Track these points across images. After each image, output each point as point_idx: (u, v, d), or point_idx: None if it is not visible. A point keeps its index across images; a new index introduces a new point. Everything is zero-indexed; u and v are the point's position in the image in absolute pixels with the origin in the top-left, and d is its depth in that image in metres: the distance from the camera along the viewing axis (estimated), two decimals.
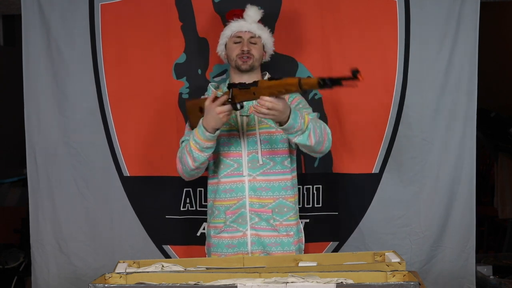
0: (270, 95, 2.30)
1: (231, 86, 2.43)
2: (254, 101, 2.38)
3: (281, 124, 2.37)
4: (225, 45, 2.66)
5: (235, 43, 2.61)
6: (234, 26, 2.62)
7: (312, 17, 3.02)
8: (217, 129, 2.45)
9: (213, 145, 2.48)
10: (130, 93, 3.07)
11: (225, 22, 2.71)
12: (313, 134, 2.42)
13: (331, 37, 3.03)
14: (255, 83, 2.35)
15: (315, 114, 2.63)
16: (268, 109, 2.30)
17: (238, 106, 2.42)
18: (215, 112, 2.40)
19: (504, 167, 4.74)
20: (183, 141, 2.62)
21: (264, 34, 2.65)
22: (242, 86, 2.39)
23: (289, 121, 2.35)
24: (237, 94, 2.40)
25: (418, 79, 3.02)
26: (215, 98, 2.43)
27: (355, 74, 2.02)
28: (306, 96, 2.97)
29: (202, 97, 2.61)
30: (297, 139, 2.42)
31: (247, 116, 2.59)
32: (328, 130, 2.53)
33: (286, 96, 2.57)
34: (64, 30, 3.06)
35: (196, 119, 2.52)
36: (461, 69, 3.02)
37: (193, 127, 2.54)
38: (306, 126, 2.40)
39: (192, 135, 2.50)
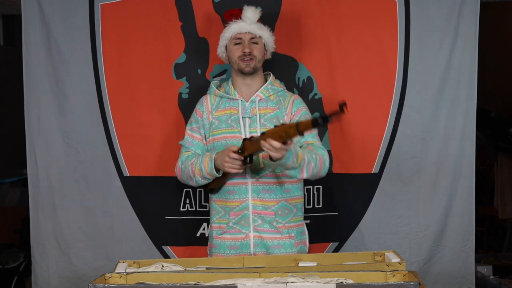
0: (276, 139, 2.32)
1: (245, 140, 2.46)
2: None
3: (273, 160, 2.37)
4: (225, 46, 2.66)
5: (236, 44, 2.60)
6: (234, 28, 2.60)
7: (312, 17, 3.02)
8: (218, 173, 2.52)
9: (213, 179, 2.56)
10: (130, 93, 3.06)
11: (225, 22, 2.71)
12: (306, 169, 2.45)
13: (331, 37, 3.03)
14: (263, 133, 2.36)
15: (315, 134, 2.63)
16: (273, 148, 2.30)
17: (248, 160, 2.46)
18: (226, 156, 2.45)
19: (504, 167, 4.74)
20: (183, 146, 2.69)
21: (265, 34, 2.64)
22: (253, 138, 2.43)
23: (281, 159, 2.35)
24: (248, 146, 2.43)
25: (418, 79, 3.02)
26: (239, 154, 2.45)
27: (341, 107, 2.07)
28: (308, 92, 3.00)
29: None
30: (288, 172, 2.46)
31: (249, 117, 2.59)
32: (324, 158, 2.55)
33: (292, 111, 2.63)
34: (64, 30, 3.06)
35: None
36: (461, 69, 3.02)
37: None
38: (299, 163, 2.42)
39: (201, 161, 2.55)
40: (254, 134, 2.54)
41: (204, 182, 2.60)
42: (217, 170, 2.53)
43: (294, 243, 2.60)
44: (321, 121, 2.13)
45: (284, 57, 3.00)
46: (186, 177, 2.64)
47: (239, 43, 2.60)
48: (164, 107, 3.05)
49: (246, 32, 2.59)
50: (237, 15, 2.62)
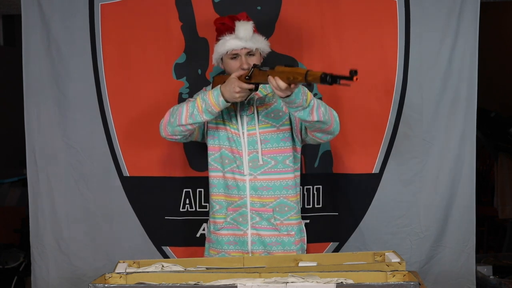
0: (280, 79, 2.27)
1: (255, 66, 2.42)
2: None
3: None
4: (221, 58, 2.62)
5: (232, 58, 2.56)
6: (229, 45, 2.54)
7: (312, 17, 3.02)
8: (227, 102, 2.45)
9: (216, 114, 2.47)
10: (130, 93, 3.07)
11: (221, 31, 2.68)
12: (315, 111, 2.38)
13: (331, 37, 3.03)
14: (272, 67, 2.31)
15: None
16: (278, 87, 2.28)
17: (254, 87, 2.41)
18: (235, 86, 2.39)
19: (504, 167, 4.73)
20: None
21: (261, 44, 2.60)
22: (262, 68, 2.38)
23: (290, 96, 2.31)
24: (256, 75, 2.38)
25: (418, 79, 3.02)
26: (242, 78, 2.41)
27: (351, 75, 2.04)
28: (310, 88, 2.98)
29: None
30: (298, 114, 2.39)
31: (247, 116, 2.60)
32: (334, 112, 2.49)
33: None
34: (64, 30, 3.06)
35: None
36: (461, 69, 3.02)
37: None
38: (308, 103, 2.36)
39: (203, 94, 2.49)
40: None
41: (202, 118, 2.46)
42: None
43: (293, 241, 2.59)
44: (329, 78, 2.08)
45: (284, 57, 3.00)
46: (175, 116, 2.50)
47: (235, 57, 2.56)
48: (164, 107, 3.03)
49: (242, 48, 2.55)
50: (229, 27, 2.56)
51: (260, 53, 2.62)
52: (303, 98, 2.34)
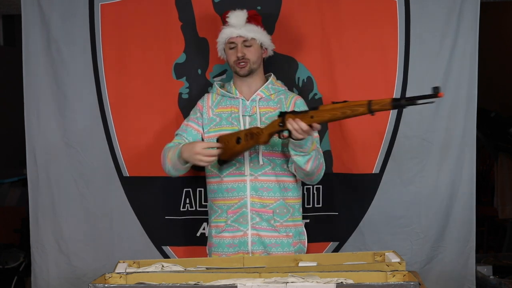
0: (332, 117, 2.29)
1: (282, 113, 2.41)
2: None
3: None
4: (224, 50, 2.68)
5: (231, 49, 2.62)
6: (225, 33, 2.62)
7: (312, 17, 3.02)
8: (187, 163, 2.52)
9: (182, 171, 2.59)
10: (130, 93, 3.06)
11: (225, 22, 2.71)
12: (311, 162, 2.46)
13: (331, 37, 3.03)
14: (315, 108, 2.33)
15: (317, 137, 2.63)
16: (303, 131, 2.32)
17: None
18: (197, 148, 2.46)
19: (504, 167, 4.74)
20: (177, 134, 2.68)
21: (257, 34, 2.63)
22: (296, 112, 2.37)
23: (302, 139, 2.36)
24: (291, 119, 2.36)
25: (418, 79, 3.01)
26: (276, 125, 2.42)
27: (435, 91, 1.98)
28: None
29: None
30: (296, 158, 2.45)
31: (249, 116, 2.60)
32: (323, 166, 2.58)
33: (288, 100, 2.63)
34: (64, 30, 3.06)
35: (228, 151, 2.53)
36: (461, 69, 3.02)
37: (219, 159, 2.55)
38: (310, 152, 2.43)
39: (171, 150, 2.57)
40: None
41: (175, 173, 2.61)
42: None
43: (291, 243, 2.60)
44: (404, 102, 2.01)
45: (284, 57, 3.00)
46: (163, 163, 2.63)
47: (233, 47, 2.61)
48: (164, 107, 3.05)
49: (237, 36, 2.60)
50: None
51: (262, 46, 2.63)
52: (309, 146, 2.41)
